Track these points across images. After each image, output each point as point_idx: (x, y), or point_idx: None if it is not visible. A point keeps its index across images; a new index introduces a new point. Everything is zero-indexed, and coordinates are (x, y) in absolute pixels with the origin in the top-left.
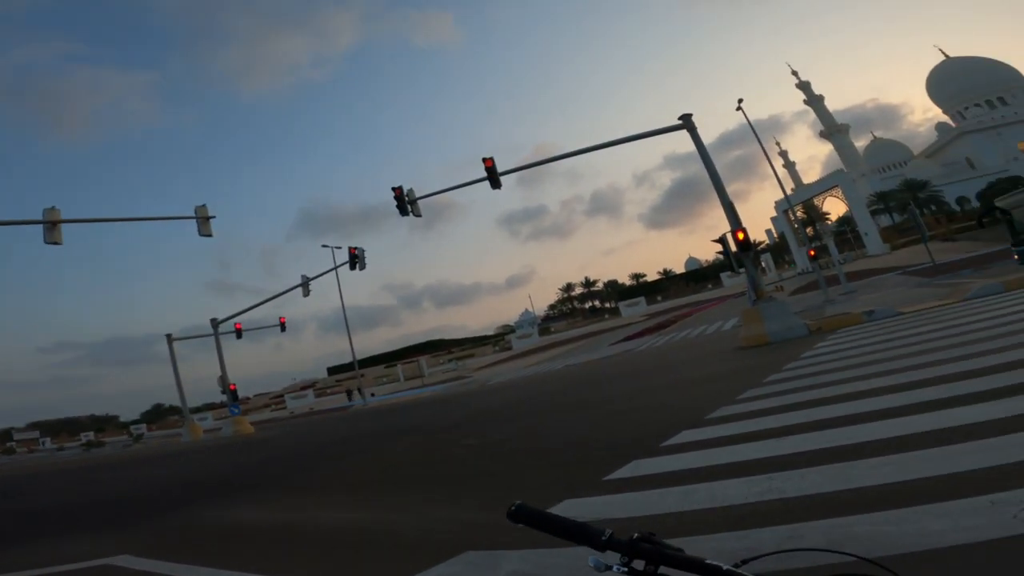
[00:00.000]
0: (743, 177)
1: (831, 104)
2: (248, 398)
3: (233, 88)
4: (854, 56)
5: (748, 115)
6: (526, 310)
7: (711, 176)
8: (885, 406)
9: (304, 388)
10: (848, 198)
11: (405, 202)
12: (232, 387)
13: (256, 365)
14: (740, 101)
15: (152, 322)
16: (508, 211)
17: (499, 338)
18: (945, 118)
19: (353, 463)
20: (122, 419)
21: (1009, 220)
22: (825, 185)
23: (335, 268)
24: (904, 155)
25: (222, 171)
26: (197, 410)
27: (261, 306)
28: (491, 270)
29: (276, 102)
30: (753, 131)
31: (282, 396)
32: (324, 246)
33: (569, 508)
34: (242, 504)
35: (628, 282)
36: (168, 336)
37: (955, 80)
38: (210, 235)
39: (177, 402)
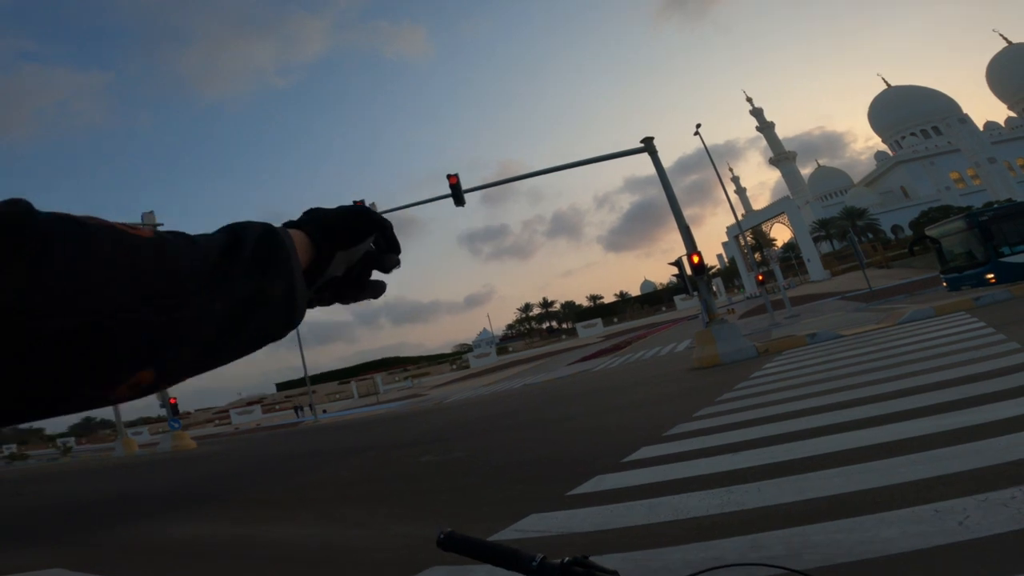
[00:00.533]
0: (698, 202)
1: (783, 131)
2: (190, 412)
3: (193, 92)
4: (805, 84)
5: (705, 140)
6: (484, 329)
7: (670, 200)
8: (829, 422)
9: (251, 404)
10: (793, 225)
11: None
12: (172, 400)
13: (201, 379)
14: (698, 126)
15: None
16: (470, 229)
17: (456, 356)
18: (885, 147)
19: (308, 479)
20: (48, 432)
21: (938, 248)
22: (773, 212)
23: None
24: (845, 183)
25: (176, 174)
26: (132, 424)
27: None
28: (450, 288)
29: (238, 108)
30: (709, 156)
31: (227, 411)
32: None
33: (535, 523)
34: (185, 519)
35: (585, 303)
36: None
37: (894, 109)
38: None
39: (110, 415)
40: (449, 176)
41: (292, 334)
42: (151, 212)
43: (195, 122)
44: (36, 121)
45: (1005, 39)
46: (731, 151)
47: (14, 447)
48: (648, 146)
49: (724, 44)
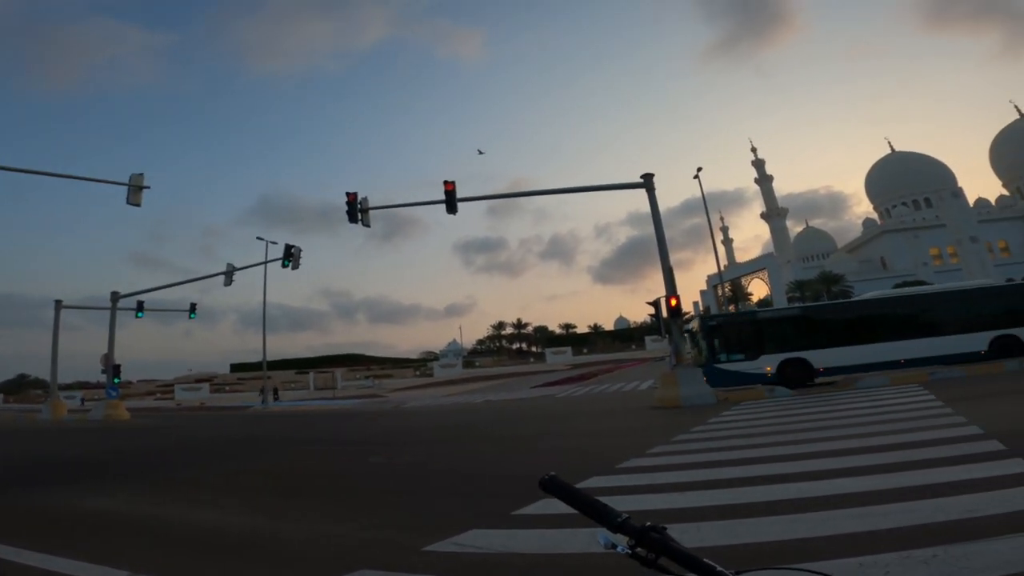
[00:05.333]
0: (692, 246)
1: (791, 186)
2: (131, 382)
3: (244, 65)
4: (822, 141)
5: (718, 185)
6: (454, 340)
7: (658, 239)
8: (774, 472)
9: (200, 381)
10: (771, 282)
11: (356, 210)
12: (116, 366)
13: (153, 349)
14: (699, 170)
15: (51, 285)
16: (469, 238)
17: (422, 363)
18: (875, 214)
19: (245, 465)
20: None
21: (695, 343)
22: (754, 266)
23: (265, 263)
24: (829, 247)
25: (196, 140)
26: (68, 387)
27: (180, 287)
28: (434, 294)
29: (282, 84)
30: (704, 202)
31: (172, 386)
32: (259, 238)
33: (476, 538)
34: (100, 492)
35: (558, 330)
36: (57, 302)
37: (891, 176)
38: (138, 205)
39: (46, 375)
40: (446, 183)
41: (257, 314)
42: (140, 174)
43: (239, 95)
44: (83, 73)
45: (1019, 111)
46: (738, 199)
47: None
48: (647, 182)
49: (760, 89)
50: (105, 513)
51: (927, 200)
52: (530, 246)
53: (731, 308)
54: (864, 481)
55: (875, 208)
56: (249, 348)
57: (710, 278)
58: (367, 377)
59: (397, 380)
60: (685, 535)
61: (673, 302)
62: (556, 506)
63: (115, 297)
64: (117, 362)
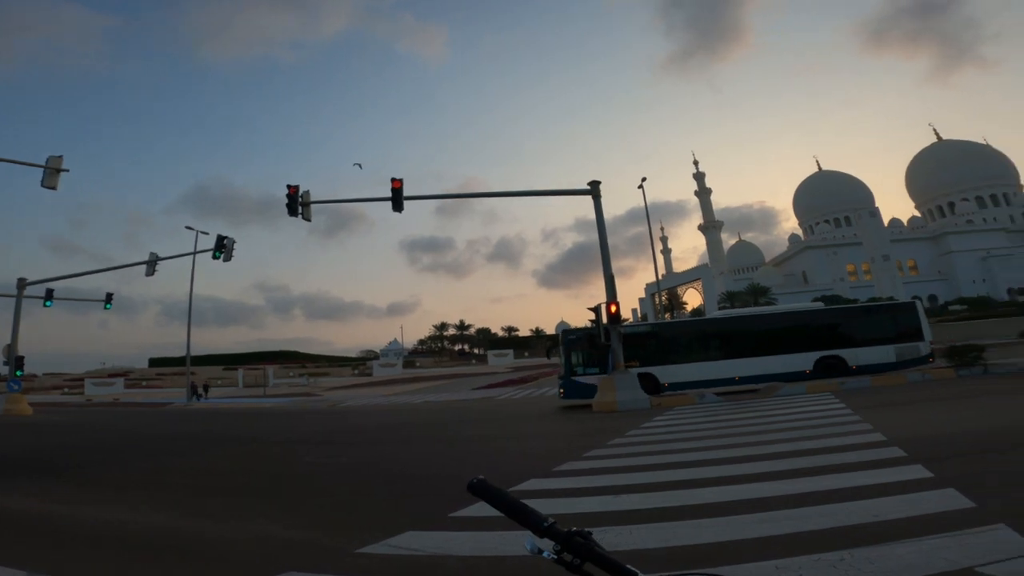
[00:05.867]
0: (635, 254)
1: (728, 199)
2: (36, 376)
3: (191, 50)
4: (755, 155)
5: (662, 196)
6: (394, 339)
7: (601, 246)
8: (702, 476)
9: (113, 376)
10: (705, 292)
11: (297, 203)
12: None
13: (64, 341)
14: (643, 180)
15: None
16: (416, 237)
17: (360, 362)
18: (800, 231)
19: (167, 464)
20: None
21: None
22: (690, 277)
23: (194, 253)
24: (759, 260)
25: (130, 125)
26: None
27: (97, 276)
28: (377, 292)
29: (232, 72)
30: (646, 212)
31: (82, 380)
32: (188, 228)
33: (411, 540)
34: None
35: (501, 333)
36: None
37: (815, 195)
38: (54, 188)
39: None
40: (393, 180)
41: (183, 307)
42: (60, 156)
43: (183, 80)
44: (18, 51)
45: (937, 135)
46: (680, 210)
47: None
48: (593, 190)
49: (710, 104)
50: (6, 512)
51: (847, 218)
52: (477, 247)
53: (667, 316)
54: (781, 485)
55: (800, 224)
56: (171, 342)
57: (648, 286)
58: (302, 375)
59: (334, 379)
60: (619, 538)
61: (613, 308)
62: (493, 509)
63: (21, 284)
64: (21, 354)
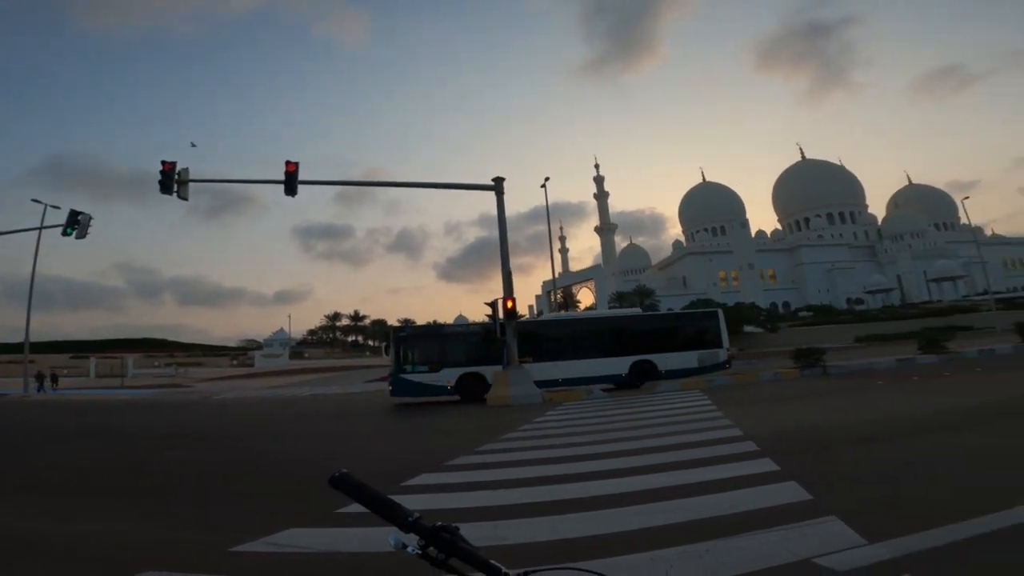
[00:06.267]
0: (535, 252)
1: (624, 203)
2: None
3: (68, 15)
4: (652, 163)
5: (565, 197)
6: (281, 328)
7: (501, 242)
8: (591, 469)
9: None
10: (597, 291)
11: (172, 180)
12: None
13: None
14: (546, 179)
15: None
16: (312, 223)
17: (241, 352)
18: (683, 237)
19: (11, 462)
20: None
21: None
22: (584, 276)
23: (40, 228)
24: (646, 263)
25: None
26: None
27: None
28: (263, 279)
29: (117, 42)
30: (547, 211)
31: None
32: (34, 200)
33: (294, 537)
34: None
35: (397, 325)
36: None
37: (697, 204)
38: None
39: None
40: (288, 163)
41: (24, 287)
42: None
43: (54, 45)
44: None
45: (802, 154)
46: (580, 211)
47: None
48: (497, 186)
49: (618, 110)
50: None
51: (723, 228)
52: (378, 237)
53: (561, 313)
54: (653, 479)
55: (684, 232)
56: (8, 326)
57: (545, 284)
58: (169, 365)
59: (209, 369)
60: (510, 531)
61: (509, 304)
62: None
63: None
64: None
